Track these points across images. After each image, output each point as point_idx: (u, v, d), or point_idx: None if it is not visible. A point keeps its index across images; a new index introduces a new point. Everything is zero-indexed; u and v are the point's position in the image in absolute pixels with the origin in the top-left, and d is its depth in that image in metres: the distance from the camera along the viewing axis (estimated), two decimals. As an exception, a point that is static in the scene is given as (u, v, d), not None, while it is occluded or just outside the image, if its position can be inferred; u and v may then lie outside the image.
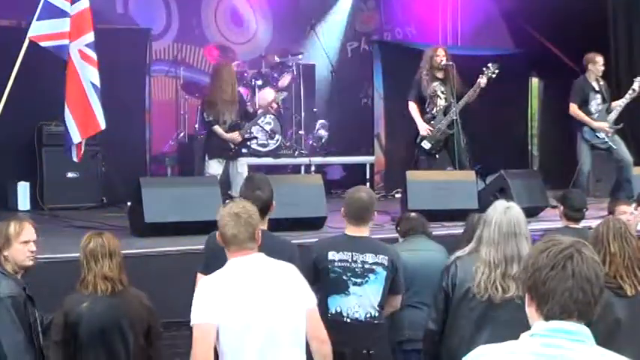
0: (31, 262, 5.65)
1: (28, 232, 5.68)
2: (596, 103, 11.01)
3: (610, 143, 10.87)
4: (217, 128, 10.36)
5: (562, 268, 2.80)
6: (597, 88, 11.03)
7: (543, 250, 2.85)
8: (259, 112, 11.73)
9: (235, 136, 10.43)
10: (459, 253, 5.30)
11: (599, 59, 11.05)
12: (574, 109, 10.94)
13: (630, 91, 10.86)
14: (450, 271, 5.21)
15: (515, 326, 3.05)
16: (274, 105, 12.05)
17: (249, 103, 12.08)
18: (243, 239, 4.69)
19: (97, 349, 3.51)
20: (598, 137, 10.89)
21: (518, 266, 4.91)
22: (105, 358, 3.55)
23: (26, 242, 5.63)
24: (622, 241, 5.22)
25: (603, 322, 4.83)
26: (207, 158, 10.47)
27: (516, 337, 2.90)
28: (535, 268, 2.84)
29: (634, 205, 8.27)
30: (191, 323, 4.54)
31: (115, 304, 5.27)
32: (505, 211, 5.10)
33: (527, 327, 2.90)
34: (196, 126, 12.93)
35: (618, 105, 10.93)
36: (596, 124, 10.87)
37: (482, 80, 10.57)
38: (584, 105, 10.97)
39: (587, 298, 2.80)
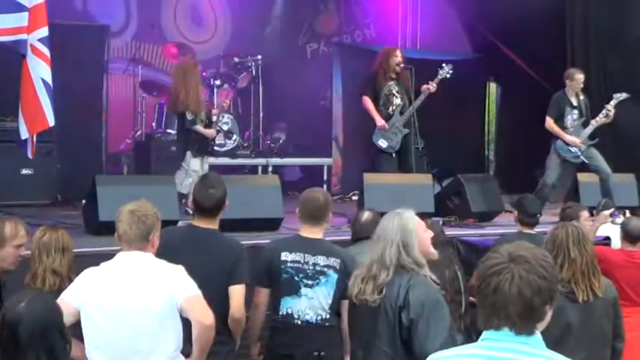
0: (13, 267, 5.46)
1: (23, 235, 5.47)
2: (571, 118, 10.97)
3: (583, 158, 10.87)
4: (199, 127, 10.26)
5: (487, 283, 2.83)
6: (575, 104, 10.98)
7: (482, 262, 2.90)
8: (213, 111, 11.57)
9: (213, 131, 10.48)
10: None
11: (578, 76, 11.01)
12: (549, 122, 10.92)
13: (605, 111, 10.85)
14: None
15: None
16: (227, 102, 12.03)
17: (207, 102, 12.03)
18: (134, 238, 4.75)
19: (37, 349, 3.47)
20: (571, 151, 10.85)
21: (378, 269, 4.81)
22: (45, 358, 3.51)
23: (19, 246, 5.45)
24: (581, 246, 5.27)
25: (555, 325, 4.86)
26: (190, 156, 10.29)
27: None
28: (475, 277, 2.95)
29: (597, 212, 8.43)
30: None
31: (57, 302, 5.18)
32: (387, 216, 5.00)
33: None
34: (154, 124, 12.86)
35: (594, 121, 10.91)
36: (568, 138, 10.84)
37: (432, 86, 10.59)
38: (559, 119, 10.95)
39: (507, 315, 2.82)
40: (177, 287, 4.68)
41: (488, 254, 2.91)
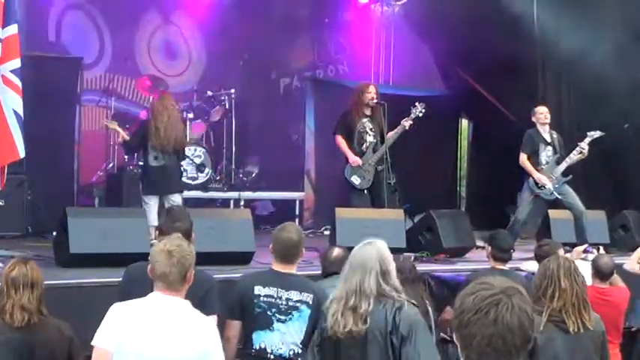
0: None
1: None
2: (546, 154, 10.97)
3: (556, 194, 10.87)
4: None
5: (485, 313, 2.74)
6: (549, 140, 10.99)
7: (471, 293, 2.80)
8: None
9: None
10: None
11: (541, 108, 11.11)
12: (523, 159, 10.92)
13: (579, 149, 10.88)
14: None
15: None
16: None
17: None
18: (173, 280, 4.56)
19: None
20: (544, 187, 10.87)
21: (357, 300, 4.86)
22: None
23: None
24: (572, 279, 5.30)
25: (543, 356, 4.89)
26: None
27: None
28: (460, 310, 2.79)
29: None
30: (92, 342, 4.46)
31: (31, 339, 5.12)
32: (362, 247, 5.06)
33: None
34: (126, 157, 12.82)
35: (568, 158, 10.92)
36: (537, 176, 10.82)
37: (407, 123, 10.65)
38: (534, 156, 10.94)
39: (507, 347, 2.74)
40: (215, 348, 4.59)
41: (473, 287, 2.82)
